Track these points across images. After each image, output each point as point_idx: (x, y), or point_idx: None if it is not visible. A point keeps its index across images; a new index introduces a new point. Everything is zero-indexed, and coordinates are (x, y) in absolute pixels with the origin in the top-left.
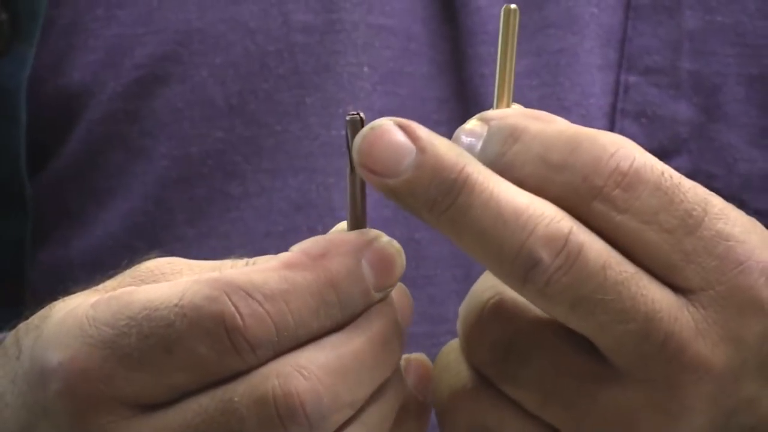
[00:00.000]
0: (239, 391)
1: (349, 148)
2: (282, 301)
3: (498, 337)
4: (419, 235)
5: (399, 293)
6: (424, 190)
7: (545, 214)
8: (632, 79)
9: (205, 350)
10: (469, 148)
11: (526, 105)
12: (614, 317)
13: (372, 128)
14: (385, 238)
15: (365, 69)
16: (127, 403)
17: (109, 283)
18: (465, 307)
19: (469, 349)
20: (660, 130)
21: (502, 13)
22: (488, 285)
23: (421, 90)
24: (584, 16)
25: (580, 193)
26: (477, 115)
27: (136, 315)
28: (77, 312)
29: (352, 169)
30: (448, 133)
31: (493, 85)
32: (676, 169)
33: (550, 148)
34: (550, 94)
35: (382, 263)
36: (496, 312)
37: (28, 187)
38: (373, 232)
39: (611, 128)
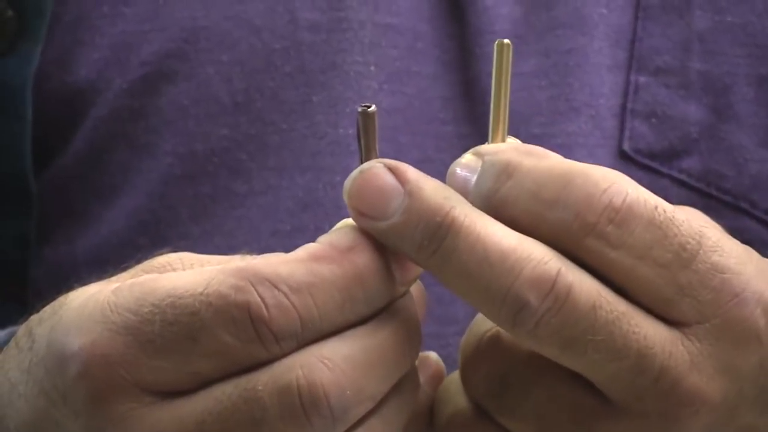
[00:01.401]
0: (263, 380)
1: (360, 141)
2: (308, 294)
3: (494, 370)
4: None
5: (415, 288)
6: (411, 234)
7: (532, 256)
8: (642, 79)
9: (229, 339)
10: (464, 183)
11: (535, 106)
12: (606, 356)
13: (362, 171)
14: None
15: (372, 68)
16: (148, 390)
17: (123, 276)
18: (464, 340)
19: (467, 381)
20: (670, 131)
21: (495, 48)
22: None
23: (428, 89)
24: (593, 16)
25: (573, 230)
26: (472, 150)
27: (160, 302)
28: (98, 298)
29: (369, 159)
30: (454, 133)
31: None
32: (687, 169)
33: (543, 184)
34: (559, 94)
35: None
36: (493, 345)
37: (33, 184)
38: None
39: (621, 128)
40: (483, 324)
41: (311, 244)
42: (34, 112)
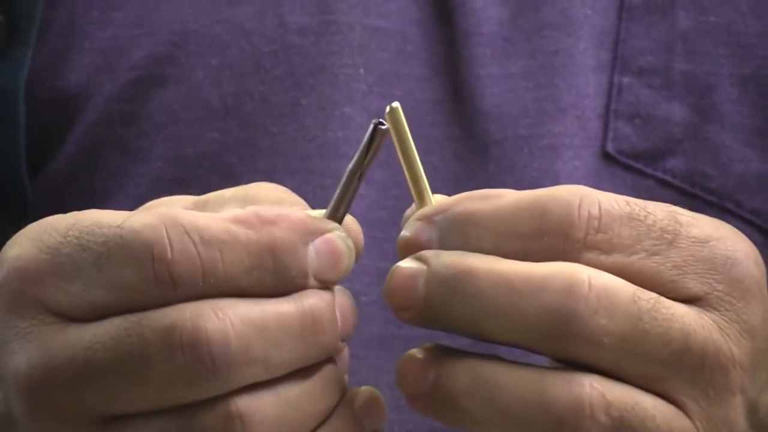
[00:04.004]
0: (151, 317)
1: (364, 149)
2: (217, 249)
3: None
4: None
5: (343, 297)
6: (438, 297)
7: (554, 271)
8: (626, 80)
9: (128, 273)
10: (427, 244)
11: (522, 107)
12: (658, 344)
13: (391, 271)
14: (340, 232)
15: (361, 70)
16: (52, 311)
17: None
18: None
19: None
20: (654, 131)
21: (387, 115)
22: None
23: (417, 91)
24: (579, 17)
25: (567, 250)
26: (413, 216)
27: (84, 228)
28: (44, 220)
29: (357, 171)
30: (443, 135)
31: (488, 86)
32: (671, 169)
33: (517, 220)
34: (546, 95)
35: (329, 254)
36: None
37: (28, 189)
38: (332, 224)
39: (605, 129)
40: None
41: (237, 209)
42: (26, 118)
